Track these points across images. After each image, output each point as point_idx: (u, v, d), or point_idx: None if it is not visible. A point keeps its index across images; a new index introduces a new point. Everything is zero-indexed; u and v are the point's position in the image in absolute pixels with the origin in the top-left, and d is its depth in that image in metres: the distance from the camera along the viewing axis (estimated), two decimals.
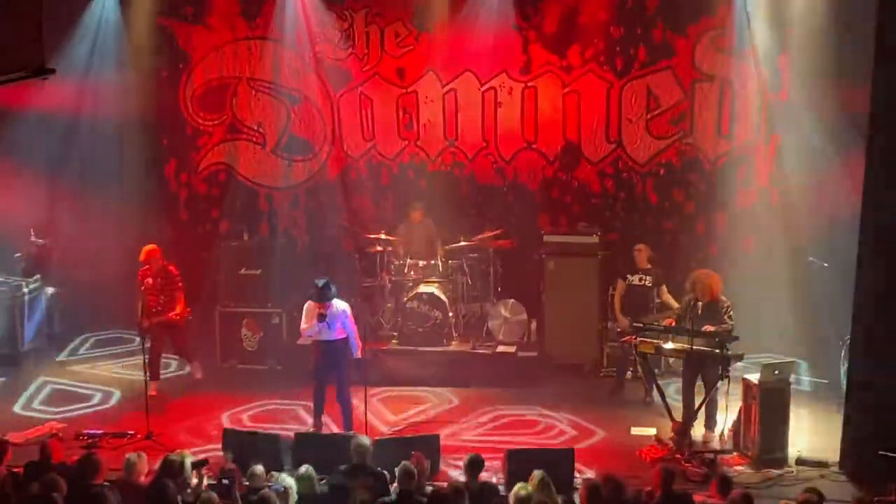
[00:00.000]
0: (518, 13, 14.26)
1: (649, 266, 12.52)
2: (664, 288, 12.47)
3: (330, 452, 9.67)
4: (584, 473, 10.03)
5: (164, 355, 12.89)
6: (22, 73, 6.61)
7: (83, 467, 8.74)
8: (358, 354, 11.23)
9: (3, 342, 13.74)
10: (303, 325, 11.34)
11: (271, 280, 13.68)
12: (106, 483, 8.61)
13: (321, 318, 10.97)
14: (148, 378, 11.87)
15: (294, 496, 8.47)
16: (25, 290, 13.97)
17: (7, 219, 13.87)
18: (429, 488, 9.01)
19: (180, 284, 12.51)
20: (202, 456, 9.78)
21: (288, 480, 8.62)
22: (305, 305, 11.26)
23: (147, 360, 11.89)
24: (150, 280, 12.36)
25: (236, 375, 13.34)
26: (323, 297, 11.00)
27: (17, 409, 12.31)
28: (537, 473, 8.45)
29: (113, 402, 12.57)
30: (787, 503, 8.87)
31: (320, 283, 11.09)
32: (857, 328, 10.32)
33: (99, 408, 12.40)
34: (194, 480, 8.84)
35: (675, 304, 12.02)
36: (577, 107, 14.56)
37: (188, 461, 8.96)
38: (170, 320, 12.41)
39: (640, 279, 12.47)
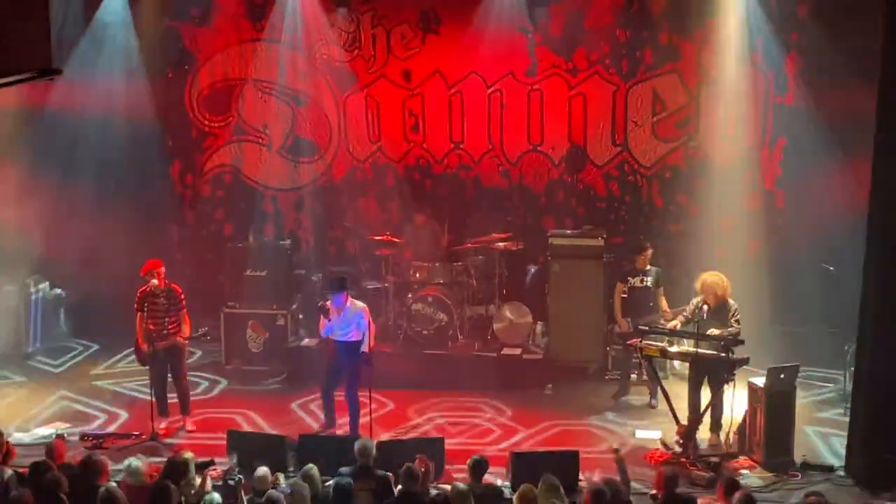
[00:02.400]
0: (524, 15, 14.26)
1: (649, 267, 12.50)
2: (661, 289, 12.46)
3: (334, 454, 9.67)
4: (589, 476, 9.99)
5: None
6: (29, 74, 6.58)
7: (87, 468, 8.74)
8: (365, 349, 11.19)
9: (9, 344, 13.79)
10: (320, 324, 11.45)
11: (276, 282, 13.67)
12: (111, 483, 8.62)
13: (321, 310, 11.00)
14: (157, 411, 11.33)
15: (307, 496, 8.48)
16: (31, 291, 14.02)
17: (12, 220, 13.87)
18: (433, 491, 8.98)
19: (184, 304, 11.45)
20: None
21: (299, 483, 8.62)
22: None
23: (153, 393, 11.28)
24: (153, 301, 11.30)
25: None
26: (331, 288, 11.08)
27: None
28: (547, 479, 8.43)
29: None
30: None
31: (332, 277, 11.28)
32: (862, 331, 10.29)
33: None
34: (198, 481, 8.83)
35: (665, 306, 12.12)
36: (583, 109, 14.56)
37: (193, 462, 8.96)
38: (176, 344, 11.40)
39: (641, 280, 12.45)
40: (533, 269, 14.26)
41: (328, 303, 11.12)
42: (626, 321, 12.32)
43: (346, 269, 14.12)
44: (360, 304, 11.35)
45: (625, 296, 12.44)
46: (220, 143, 15.34)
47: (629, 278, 12.44)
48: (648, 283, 12.38)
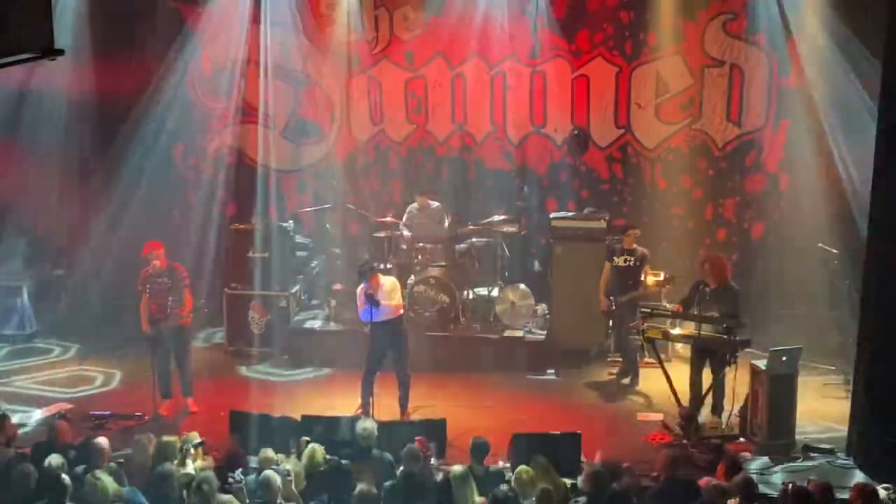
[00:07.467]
0: None
1: (634, 247, 12.51)
2: (647, 268, 12.49)
3: (336, 436, 9.68)
4: (590, 458, 10.00)
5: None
6: (30, 54, 6.56)
7: (88, 449, 8.77)
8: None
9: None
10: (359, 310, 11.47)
11: (279, 263, 13.68)
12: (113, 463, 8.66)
13: (369, 298, 11.05)
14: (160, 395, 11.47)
15: (301, 481, 8.49)
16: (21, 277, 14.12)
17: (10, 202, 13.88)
18: (435, 472, 9.01)
19: (188, 283, 11.58)
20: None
21: (292, 463, 8.64)
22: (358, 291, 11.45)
23: (155, 375, 11.36)
24: (156, 280, 11.41)
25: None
26: (361, 278, 11.20)
27: None
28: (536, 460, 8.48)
29: None
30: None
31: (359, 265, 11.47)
32: (865, 314, 10.29)
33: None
34: (189, 461, 8.84)
35: (650, 283, 12.32)
36: (587, 91, 14.51)
37: (184, 442, 8.99)
38: (179, 324, 11.49)
39: (626, 260, 12.47)
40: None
41: (370, 289, 11.14)
42: (607, 299, 12.37)
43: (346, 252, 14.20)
44: (391, 279, 11.57)
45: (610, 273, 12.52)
46: (222, 124, 15.31)
47: (614, 257, 12.48)
48: (632, 263, 12.41)
